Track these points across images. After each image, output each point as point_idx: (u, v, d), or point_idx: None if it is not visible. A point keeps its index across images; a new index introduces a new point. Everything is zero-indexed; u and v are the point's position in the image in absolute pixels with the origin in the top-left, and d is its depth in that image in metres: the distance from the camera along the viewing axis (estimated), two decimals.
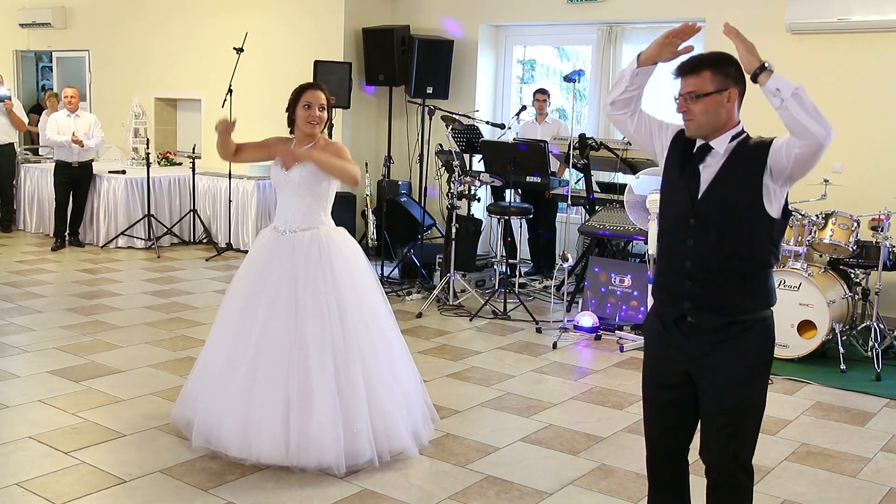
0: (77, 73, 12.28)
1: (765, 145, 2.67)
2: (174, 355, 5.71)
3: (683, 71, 2.76)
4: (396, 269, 8.09)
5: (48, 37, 12.32)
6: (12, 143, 10.13)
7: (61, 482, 3.82)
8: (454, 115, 7.62)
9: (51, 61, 12.91)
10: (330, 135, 9.04)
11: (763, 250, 2.70)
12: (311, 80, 8.72)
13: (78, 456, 4.08)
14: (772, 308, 2.75)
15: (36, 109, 12.07)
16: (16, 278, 7.80)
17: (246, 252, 8.99)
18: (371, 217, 8.83)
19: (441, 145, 8.29)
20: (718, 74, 2.70)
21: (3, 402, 4.75)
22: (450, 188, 7.23)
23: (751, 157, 2.68)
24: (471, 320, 6.82)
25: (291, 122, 4.44)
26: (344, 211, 9.11)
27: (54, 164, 9.23)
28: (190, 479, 3.88)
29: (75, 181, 9.32)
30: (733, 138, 2.74)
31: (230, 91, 8.90)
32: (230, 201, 9.26)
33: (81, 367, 5.39)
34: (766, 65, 2.59)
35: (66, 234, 9.44)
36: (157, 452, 4.15)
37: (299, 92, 4.42)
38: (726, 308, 2.71)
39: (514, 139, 8.22)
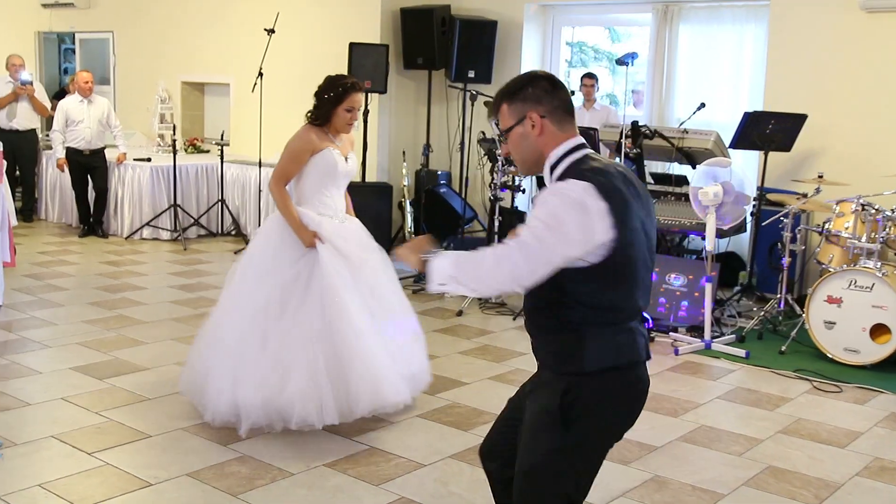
0: (100, 56, 12.46)
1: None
2: None
3: (490, 113, 2.72)
4: None
5: (71, 17, 12.50)
6: (34, 130, 10.30)
7: (85, 484, 3.88)
8: None
9: (73, 43, 13.10)
10: (365, 122, 9.09)
11: (570, 307, 2.48)
12: (347, 65, 8.86)
13: (102, 457, 4.14)
14: (604, 371, 2.50)
15: (59, 95, 12.24)
16: (38, 270, 7.93)
17: None
18: (409, 208, 8.85)
19: (484, 133, 8.27)
20: (514, 104, 2.54)
21: (25, 399, 4.83)
22: (493, 178, 7.22)
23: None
24: (514, 319, 6.80)
25: (326, 116, 4.61)
26: (380, 202, 9.15)
27: (64, 150, 9.37)
28: (218, 484, 3.92)
29: (89, 169, 9.45)
30: (553, 168, 2.51)
31: (260, 75, 8.96)
32: (260, 191, 9.32)
33: (105, 363, 5.47)
34: (426, 260, 2.51)
35: (91, 222, 9.61)
36: (184, 455, 4.20)
37: (345, 92, 4.58)
38: (540, 360, 2.65)
39: None
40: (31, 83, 10.08)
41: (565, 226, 2.35)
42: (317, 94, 4.65)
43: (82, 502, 3.71)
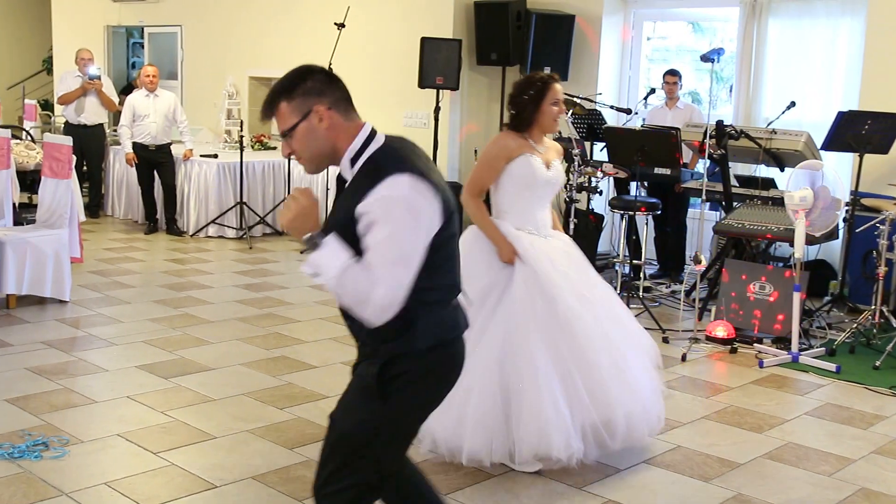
0: (168, 51, 12.75)
1: (368, 184, 2.47)
2: (267, 354, 5.86)
3: (263, 116, 2.64)
4: None
5: (140, 11, 12.81)
6: (102, 125, 10.58)
7: (150, 484, 3.98)
8: (575, 99, 7.57)
9: (142, 37, 13.43)
10: (436, 118, 9.15)
11: None
12: (419, 60, 8.92)
13: (167, 457, 4.24)
14: (429, 349, 2.59)
15: (126, 90, 12.55)
16: (104, 266, 8.15)
17: None
18: None
19: (559, 132, 8.23)
20: (294, 100, 2.57)
21: (92, 396, 4.97)
22: (568, 179, 7.19)
23: (357, 188, 2.50)
24: None
25: (530, 117, 4.24)
26: None
27: (132, 145, 9.60)
28: (284, 488, 3.98)
29: (155, 165, 9.67)
30: (354, 159, 2.59)
31: (330, 70, 9.06)
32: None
33: (171, 363, 5.59)
34: (314, 238, 2.50)
35: (157, 218, 9.85)
36: (250, 457, 4.27)
37: (545, 85, 4.24)
38: (361, 340, 2.68)
39: (641, 126, 8.11)
40: (100, 78, 10.35)
41: (406, 231, 2.44)
42: (513, 99, 4.29)
43: (147, 502, 3.80)
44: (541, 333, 4.12)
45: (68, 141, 7.07)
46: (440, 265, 2.58)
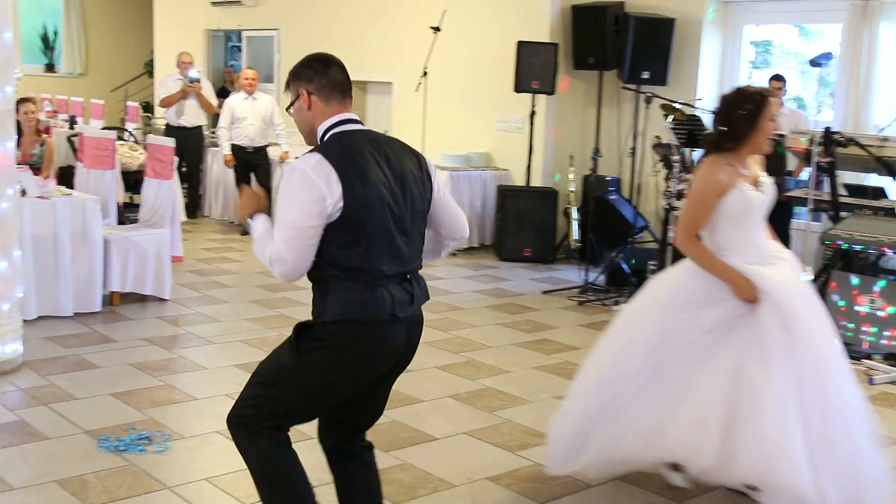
0: (265, 54, 13.02)
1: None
2: None
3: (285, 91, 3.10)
4: (602, 276, 8.04)
5: (239, 15, 13.12)
6: (201, 127, 10.87)
7: (249, 481, 4.04)
8: (675, 104, 7.48)
9: (240, 41, 13.75)
10: (532, 123, 9.14)
11: (316, 264, 2.90)
12: (515, 64, 8.93)
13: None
14: (337, 322, 2.88)
15: (221, 93, 12.86)
16: (202, 266, 8.37)
17: None
18: (575, 216, 8.85)
19: (659, 137, 8.15)
20: (293, 83, 3.01)
21: (192, 393, 5.12)
22: (668, 186, 7.11)
23: None
24: None
25: (744, 134, 3.90)
26: (544, 208, 9.19)
27: (230, 147, 9.83)
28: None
29: (252, 167, 9.89)
30: (321, 140, 2.98)
31: (425, 73, 9.16)
32: None
33: None
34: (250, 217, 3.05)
35: None
36: None
37: (764, 100, 3.92)
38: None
39: None
40: (199, 81, 10.64)
41: (293, 199, 2.82)
42: (725, 115, 3.95)
43: (248, 499, 3.89)
44: (786, 370, 3.73)
45: (171, 142, 7.29)
46: (352, 248, 2.86)
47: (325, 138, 2.94)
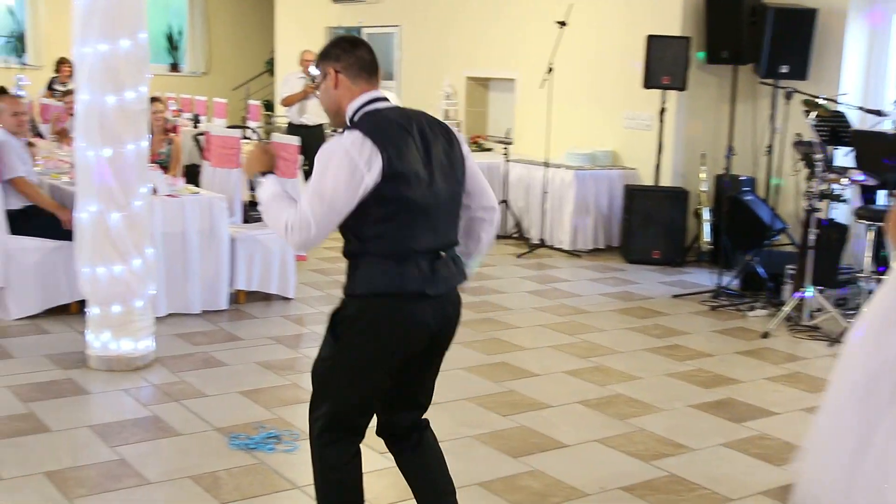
0: (385, 51, 13.18)
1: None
2: (487, 359, 5.96)
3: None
4: (736, 280, 7.85)
5: (360, 12, 13.33)
6: (322, 125, 11.07)
7: (378, 484, 4.12)
8: (818, 100, 7.25)
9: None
10: (661, 121, 9.00)
11: (349, 240, 3.03)
12: (644, 59, 8.82)
13: (391, 458, 4.37)
14: (367, 296, 2.99)
15: None
16: (324, 265, 8.53)
17: (560, 250, 9.26)
18: (706, 216, 8.68)
19: (800, 135, 7.92)
20: (321, 62, 3.10)
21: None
22: (809, 187, 6.90)
23: None
24: (830, 346, 6.45)
25: None
26: (673, 208, 9.04)
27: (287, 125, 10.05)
28: (510, 497, 4.03)
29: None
30: (351, 119, 3.06)
31: (550, 70, 9.12)
32: (545, 193, 9.48)
33: None
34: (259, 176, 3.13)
35: None
36: (474, 464, 4.36)
37: None
38: None
39: (893, 129, 7.67)
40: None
41: (331, 176, 2.88)
42: None
43: (375, 501, 3.95)
44: None
45: (296, 141, 7.46)
46: (387, 220, 2.95)
47: (357, 117, 3.03)
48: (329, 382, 3.13)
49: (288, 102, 10.90)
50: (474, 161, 3.26)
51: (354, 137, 2.90)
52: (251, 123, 12.71)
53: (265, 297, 7.19)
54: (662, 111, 8.99)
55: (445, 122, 3.27)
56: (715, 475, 4.34)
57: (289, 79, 11.10)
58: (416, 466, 3.36)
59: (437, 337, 3.11)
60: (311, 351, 5.94)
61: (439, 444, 3.41)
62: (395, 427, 3.32)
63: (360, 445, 3.23)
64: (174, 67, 18.37)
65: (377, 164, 2.88)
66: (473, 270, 3.36)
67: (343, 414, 3.13)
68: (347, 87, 3.05)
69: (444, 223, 3.06)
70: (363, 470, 3.25)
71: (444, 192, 3.03)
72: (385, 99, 3.09)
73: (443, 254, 3.05)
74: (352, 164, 2.87)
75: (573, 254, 9.41)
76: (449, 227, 3.09)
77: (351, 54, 3.04)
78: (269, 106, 15.67)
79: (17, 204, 6.45)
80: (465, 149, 3.19)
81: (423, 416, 3.37)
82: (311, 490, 3.98)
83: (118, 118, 5.12)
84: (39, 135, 9.91)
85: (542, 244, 9.59)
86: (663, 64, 8.83)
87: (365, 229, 2.97)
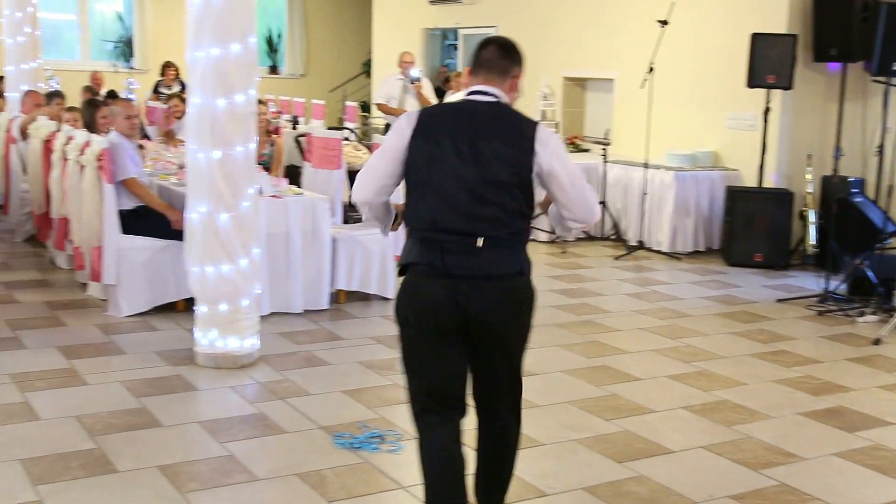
0: None
1: None
2: (588, 362, 5.91)
3: None
4: (844, 284, 7.63)
5: (456, 13, 13.38)
6: None
7: None
8: None
9: (456, 39, 14.00)
10: (766, 120, 8.81)
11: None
12: (748, 58, 8.64)
13: None
14: (401, 270, 3.36)
15: (436, 91, 13.13)
16: None
17: (659, 252, 9.13)
18: (812, 219, 8.46)
19: None
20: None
21: None
22: None
23: None
24: None
25: None
26: (778, 210, 8.84)
27: (384, 126, 10.05)
28: (616, 503, 3.99)
29: None
30: None
31: (651, 70, 9.00)
32: (644, 194, 9.36)
33: None
34: None
35: None
36: (579, 468, 4.33)
37: None
38: None
39: None
40: (420, 80, 10.91)
41: (385, 140, 3.36)
42: None
43: None
44: None
45: None
46: (413, 196, 3.25)
47: None
48: (402, 359, 3.38)
49: (384, 110, 11.02)
50: (563, 170, 3.23)
51: (412, 112, 3.34)
52: (348, 125, 12.85)
53: (364, 297, 7.26)
54: (767, 111, 8.79)
55: (541, 121, 3.49)
56: (828, 486, 4.22)
57: (387, 80, 11.20)
58: (479, 448, 3.52)
59: (475, 322, 3.18)
60: None
61: (507, 464, 3.52)
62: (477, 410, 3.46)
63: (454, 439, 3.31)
64: (273, 70, 18.70)
65: (408, 136, 3.24)
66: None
67: (411, 395, 3.36)
68: (469, 80, 3.40)
69: (481, 210, 3.14)
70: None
71: (477, 183, 3.14)
72: (481, 92, 3.31)
73: (475, 239, 3.14)
74: (397, 131, 3.30)
75: (672, 256, 9.27)
76: (487, 215, 3.14)
77: (477, 54, 3.38)
78: (365, 107, 15.83)
79: (129, 204, 6.64)
80: (546, 153, 3.20)
81: (502, 425, 3.44)
82: (417, 490, 4.02)
83: (228, 121, 5.23)
84: (146, 136, 10.19)
85: (640, 246, 9.47)
86: (768, 62, 8.63)
87: (406, 200, 3.29)
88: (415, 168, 3.21)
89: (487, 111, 3.25)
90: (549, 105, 11.26)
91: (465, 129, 3.19)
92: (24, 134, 8.85)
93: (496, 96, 3.30)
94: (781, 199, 8.87)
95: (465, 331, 3.20)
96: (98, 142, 6.52)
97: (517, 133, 3.21)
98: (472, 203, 3.14)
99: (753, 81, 8.77)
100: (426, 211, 3.17)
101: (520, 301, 3.25)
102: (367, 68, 17.40)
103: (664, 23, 8.97)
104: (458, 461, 3.30)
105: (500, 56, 3.33)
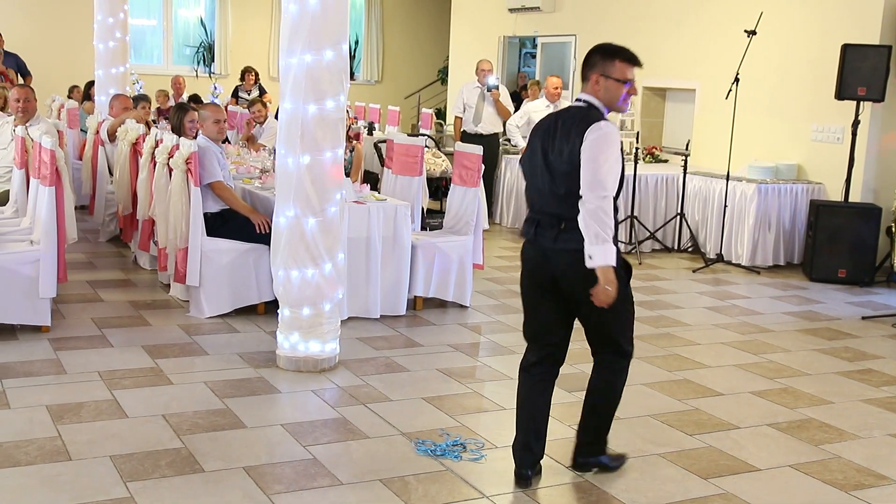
0: (559, 61, 13.17)
1: None
2: (669, 375, 5.84)
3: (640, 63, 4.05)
4: None
5: (536, 21, 13.36)
6: (497, 134, 11.16)
7: (566, 497, 4.11)
8: None
9: (534, 47, 13.98)
10: (854, 133, 8.63)
11: None
12: (838, 70, 8.47)
13: (579, 472, 4.35)
14: None
15: (514, 97, 13.12)
16: (497, 274, 8.58)
17: (738, 265, 9.00)
18: None
19: None
20: None
21: (500, 403, 5.24)
22: None
23: None
24: None
25: None
26: (864, 226, 8.67)
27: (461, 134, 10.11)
28: None
29: None
30: None
31: (737, 80, 8.89)
32: (725, 206, 9.24)
33: (571, 376, 5.72)
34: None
35: None
36: (663, 483, 4.28)
37: None
38: None
39: None
40: (498, 87, 10.92)
41: None
42: None
43: None
44: None
45: (478, 150, 7.52)
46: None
47: None
48: None
49: (455, 127, 11.13)
50: (590, 150, 3.81)
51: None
52: (423, 132, 12.91)
53: (441, 304, 7.28)
54: (856, 123, 8.62)
55: (623, 131, 3.92)
56: None
57: (465, 88, 11.24)
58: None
59: (559, 281, 4.02)
60: (490, 360, 6.03)
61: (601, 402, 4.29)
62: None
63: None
64: (349, 76, 18.84)
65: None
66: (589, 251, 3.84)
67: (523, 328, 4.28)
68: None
69: (544, 196, 4.01)
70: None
71: (544, 174, 3.97)
72: (579, 100, 4.02)
73: (542, 218, 4.01)
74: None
75: (751, 270, 9.13)
76: (543, 202, 4.03)
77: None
78: (440, 114, 15.89)
79: (214, 207, 6.75)
80: (586, 143, 3.80)
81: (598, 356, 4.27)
82: (500, 499, 4.02)
83: (318, 126, 5.29)
84: (227, 140, 10.36)
85: (719, 259, 9.34)
86: (860, 74, 8.46)
87: None
88: (523, 161, 4.17)
89: (573, 114, 3.95)
90: (628, 115, 11.16)
91: (551, 129, 3.96)
92: (112, 137, 9.06)
93: (585, 101, 4.00)
94: (868, 214, 8.68)
95: (555, 287, 4.04)
96: (186, 145, 6.64)
97: (578, 131, 3.84)
98: (542, 192, 4.01)
99: (843, 93, 8.60)
100: (527, 191, 4.16)
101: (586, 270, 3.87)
102: (442, 75, 17.47)
103: (752, 33, 8.85)
104: (539, 402, 4.21)
105: (582, 66, 4.07)
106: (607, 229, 3.77)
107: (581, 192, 3.81)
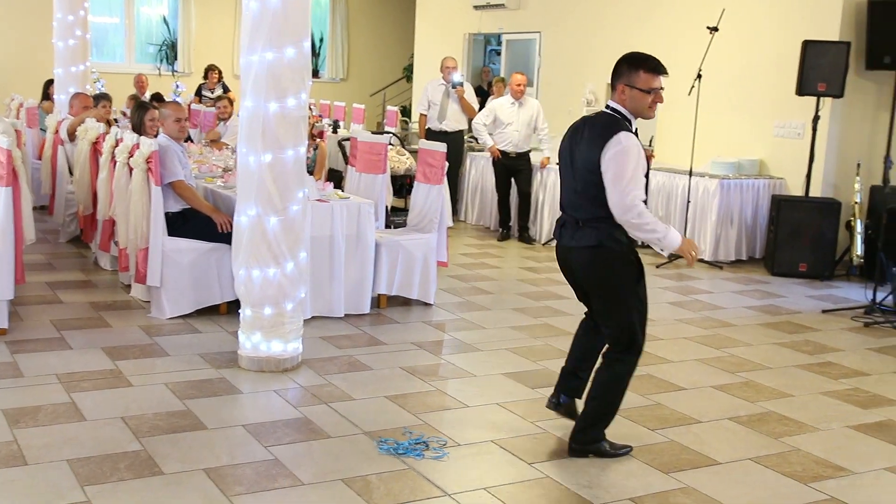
0: (524, 58, 13.19)
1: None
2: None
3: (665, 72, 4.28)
4: (892, 296, 7.53)
5: (500, 18, 13.37)
6: (461, 131, 11.16)
7: (528, 493, 4.11)
8: None
9: (499, 44, 13.99)
10: (814, 128, 8.71)
11: None
12: (799, 66, 8.54)
13: (541, 468, 4.36)
14: None
15: (478, 92, 13.12)
16: (461, 272, 8.58)
17: (701, 260, 9.05)
18: (859, 229, 8.35)
19: None
20: None
21: (463, 400, 5.24)
22: None
23: None
24: None
25: None
26: (824, 220, 8.74)
27: (493, 141, 10.05)
28: None
29: (513, 172, 10.05)
30: None
31: (699, 76, 8.94)
32: (688, 202, 9.30)
33: (535, 373, 5.77)
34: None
35: (510, 225, 10.25)
36: (625, 478, 4.30)
37: None
38: None
39: None
40: (462, 85, 10.92)
41: None
42: None
43: None
44: None
45: (442, 147, 7.51)
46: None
47: None
48: None
49: (420, 124, 11.12)
50: (612, 167, 4.06)
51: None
52: (388, 129, 12.89)
53: (405, 302, 7.27)
54: (816, 119, 8.70)
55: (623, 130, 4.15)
56: (880, 501, 4.16)
57: (429, 86, 11.22)
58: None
59: (574, 273, 4.42)
60: (454, 357, 6.03)
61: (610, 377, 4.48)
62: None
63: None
64: (314, 73, 18.79)
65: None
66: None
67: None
68: None
69: (571, 196, 4.31)
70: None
71: (570, 175, 4.29)
72: (608, 107, 4.28)
73: (567, 219, 4.34)
74: None
75: (714, 265, 9.20)
76: (567, 202, 4.36)
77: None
78: (405, 111, 15.87)
79: (175, 207, 6.70)
80: (607, 154, 4.05)
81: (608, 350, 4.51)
82: (462, 497, 4.02)
83: (279, 124, 5.25)
84: (189, 139, 10.28)
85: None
86: (820, 70, 8.55)
87: None
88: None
89: (602, 120, 4.20)
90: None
91: (578, 133, 4.24)
92: (72, 136, 8.96)
93: (611, 108, 4.25)
94: (828, 209, 8.77)
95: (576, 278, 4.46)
96: (147, 144, 6.58)
97: (601, 140, 4.06)
98: (570, 192, 4.30)
99: (803, 89, 8.68)
100: (561, 197, 4.47)
101: (596, 263, 4.25)
102: (408, 73, 17.44)
103: (714, 29, 8.91)
104: (584, 340, 4.72)
105: (611, 75, 4.31)
106: (653, 227, 4.10)
107: (613, 212, 4.10)
